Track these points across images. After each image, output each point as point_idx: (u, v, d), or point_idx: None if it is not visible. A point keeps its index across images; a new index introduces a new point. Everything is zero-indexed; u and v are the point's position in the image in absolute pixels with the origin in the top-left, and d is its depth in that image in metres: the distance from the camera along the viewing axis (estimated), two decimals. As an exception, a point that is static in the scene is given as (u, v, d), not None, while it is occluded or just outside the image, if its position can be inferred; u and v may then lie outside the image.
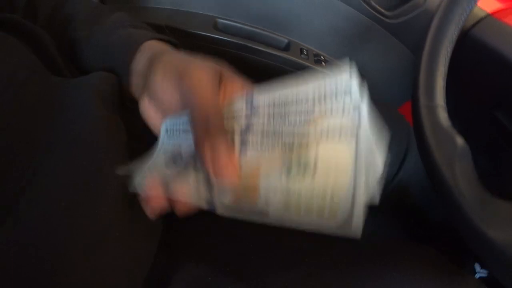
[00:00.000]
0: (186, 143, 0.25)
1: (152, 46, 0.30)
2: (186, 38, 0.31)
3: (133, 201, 0.25)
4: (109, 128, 0.25)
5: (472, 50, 0.48)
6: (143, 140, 0.31)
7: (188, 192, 0.22)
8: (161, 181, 0.24)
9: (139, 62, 0.29)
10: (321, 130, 0.21)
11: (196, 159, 0.24)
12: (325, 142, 0.21)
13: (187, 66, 0.23)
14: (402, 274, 0.29)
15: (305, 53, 0.54)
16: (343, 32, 0.55)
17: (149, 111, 0.29)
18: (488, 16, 0.48)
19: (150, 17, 0.50)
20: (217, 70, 0.24)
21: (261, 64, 0.52)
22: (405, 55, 0.58)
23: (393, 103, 0.60)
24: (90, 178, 0.23)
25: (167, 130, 0.28)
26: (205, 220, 0.38)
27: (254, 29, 0.54)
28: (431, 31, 0.35)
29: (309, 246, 0.34)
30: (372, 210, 0.28)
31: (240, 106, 0.24)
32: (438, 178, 0.29)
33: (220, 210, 0.21)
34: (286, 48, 0.54)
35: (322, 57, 0.56)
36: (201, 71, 0.22)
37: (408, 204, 0.41)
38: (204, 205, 0.22)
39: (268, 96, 0.24)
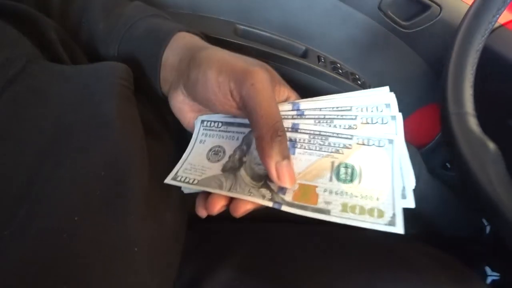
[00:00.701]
0: (228, 138, 0.27)
1: (183, 39, 0.28)
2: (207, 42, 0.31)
3: (155, 206, 0.24)
4: (127, 126, 0.23)
5: (485, 60, 0.50)
6: (159, 136, 0.30)
7: (246, 191, 0.23)
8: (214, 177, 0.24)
9: (171, 54, 0.27)
10: (363, 136, 0.24)
11: (245, 156, 0.25)
12: (367, 147, 0.24)
13: (247, 69, 0.23)
14: (417, 276, 0.30)
15: (322, 60, 0.55)
16: (359, 41, 0.56)
17: (182, 105, 0.28)
18: (501, 27, 0.50)
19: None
20: (272, 74, 0.24)
21: (280, 70, 0.53)
22: (418, 64, 0.59)
23: (406, 111, 0.61)
24: (110, 185, 0.21)
25: (202, 122, 0.29)
26: (229, 224, 0.37)
27: (273, 36, 0.54)
28: (458, 41, 0.36)
29: (334, 250, 0.34)
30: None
31: (286, 108, 0.27)
32: (474, 183, 0.30)
33: (285, 208, 0.22)
34: (304, 55, 0.55)
35: (339, 65, 0.57)
36: (263, 76, 0.22)
37: (425, 217, 0.42)
38: (267, 204, 0.23)
39: (314, 103, 0.27)
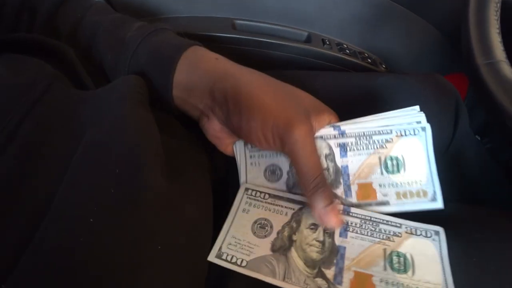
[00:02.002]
0: (276, 211, 0.27)
1: (202, 58, 0.28)
2: (206, 42, 0.30)
3: (173, 200, 0.23)
4: (141, 125, 0.23)
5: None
6: (176, 135, 0.29)
7: (302, 282, 0.24)
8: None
9: (195, 79, 0.27)
10: (411, 225, 0.26)
11: (295, 234, 0.26)
12: (415, 237, 0.25)
13: (289, 124, 0.24)
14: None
15: (327, 43, 0.53)
16: (363, 18, 0.54)
17: (220, 134, 0.28)
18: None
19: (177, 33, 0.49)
20: (310, 112, 0.26)
21: (284, 58, 0.51)
22: (429, 32, 0.56)
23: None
24: (124, 181, 0.20)
25: (246, 190, 0.29)
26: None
27: (273, 26, 0.53)
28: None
29: None
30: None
31: (328, 131, 0.28)
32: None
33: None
34: (308, 40, 0.53)
35: (345, 46, 0.55)
36: (304, 130, 0.24)
37: (464, 167, 0.38)
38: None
39: (353, 125, 0.28)
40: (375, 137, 0.27)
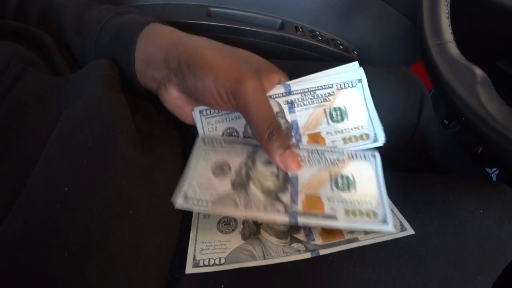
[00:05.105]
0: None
1: (160, 33, 0.29)
2: (181, 29, 0.31)
3: (148, 170, 0.24)
4: (112, 104, 0.25)
5: (468, 2, 0.48)
6: (147, 117, 0.30)
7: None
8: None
9: (152, 51, 0.28)
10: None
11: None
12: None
13: (239, 78, 0.25)
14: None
15: (300, 30, 0.54)
16: (335, 6, 0.55)
17: (178, 101, 0.29)
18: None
19: (142, 14, 0.49)
20: (260, 71, 0.27)
21: (258, 45, 0.52)
22: (399, 21, 0.58)
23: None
24: (97, 153, 0.22)
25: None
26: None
27: (247, 13, 0.54)
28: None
29: None
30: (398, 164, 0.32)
31: (277, 90, 0.30)
32: (465, 109, 0.28)
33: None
34: (281, 27, 0.54)
35: (318, 33, 0.56)
36: (254, 84, 0.25)
37: (430, 152, 0.41)
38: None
39: (301, 83, 0.30)
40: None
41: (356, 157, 0.28)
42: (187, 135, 0.33)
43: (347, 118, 0.29)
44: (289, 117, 0.30)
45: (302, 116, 0.29)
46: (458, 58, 0.31)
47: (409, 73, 0.40)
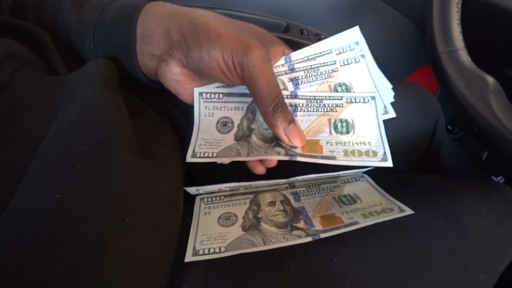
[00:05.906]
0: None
1: (161, 7, 0.28)
2: None
3: (146, 178, 0.23)
4: (109, 106, 0.23)
5: (475, 8, 0.48)
6: (145, 117, 0.30)
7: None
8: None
9: (152, 26, 0.27)
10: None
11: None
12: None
13: (247, 48, 0.24)
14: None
15: (305, 33, 0.54)
16: (340, 10, 0.55)
17: (180, 77, 0.28)
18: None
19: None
20: (267, 42, 0.27)
21: (263, 48, 0.52)
22: (405, 26, 0.58)
23: (400, 74, 0.60)
24: (92, 158, 0.20)
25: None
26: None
27: (251, 15, 0.53)
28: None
29: None
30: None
31: (280, 68, 0.31)
32: (476, 118, 0.28)
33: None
34: (286, 30, 0.54)
35: (323, 36, 0.56)
36: (260, 54, 0.25)
37: (441, 168, 0.41)
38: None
39: (301, 54, 0.31)
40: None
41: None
42: (187, 138, 0.32)
43: (353, 132, 0.28)
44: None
45: (303, 122, 0.29)
46: (469, 66, 0.30)
47: (425, 92, 0.40)
